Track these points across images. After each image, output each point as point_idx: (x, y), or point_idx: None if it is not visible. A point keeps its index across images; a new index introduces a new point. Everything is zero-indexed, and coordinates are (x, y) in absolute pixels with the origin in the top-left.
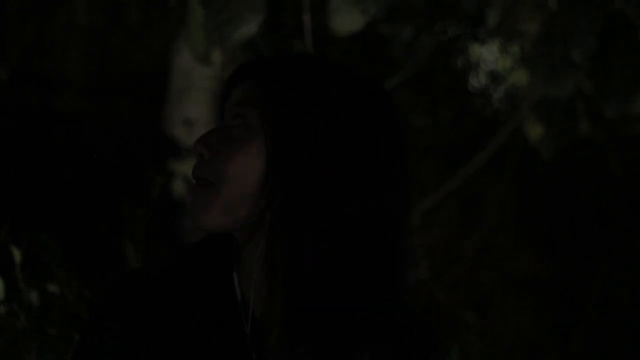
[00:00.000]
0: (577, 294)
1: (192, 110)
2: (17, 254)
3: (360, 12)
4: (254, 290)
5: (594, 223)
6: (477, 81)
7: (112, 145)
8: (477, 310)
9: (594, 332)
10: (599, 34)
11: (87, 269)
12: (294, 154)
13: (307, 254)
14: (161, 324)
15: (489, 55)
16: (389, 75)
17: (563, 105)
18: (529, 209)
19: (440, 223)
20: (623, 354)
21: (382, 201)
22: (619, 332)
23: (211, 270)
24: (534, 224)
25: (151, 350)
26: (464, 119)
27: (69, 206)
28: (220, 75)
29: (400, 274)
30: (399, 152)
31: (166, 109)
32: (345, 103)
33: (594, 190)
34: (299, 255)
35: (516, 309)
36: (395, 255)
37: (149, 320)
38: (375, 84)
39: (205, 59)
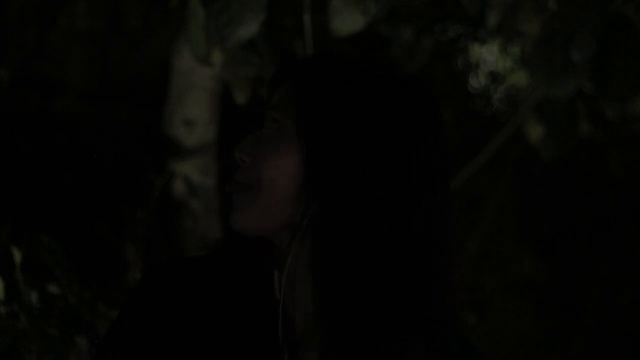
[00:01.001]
0: (578, 296)
1: (193, 110)
2: (17, 255)
3: (360, 12)
4: (294, 292)
5: (594, 224)
6: (477, 82)
7: (112, 146)
8: (477, 312)
9: (594, 334)
10: (600, 35)
11: (88, 270)
12: (328, 157)
13: (346, 259)
14: (195, 318)
15: (489, 55)
16: None
17: (563, 106)
18: (529, 210)
19: None
20: (623, 356)
21: (421, 206)
22: (619, 334)
23: (250, 269)
24: (534, 225)
25: (183, 343)
26: (464, 120)
27: (70, 207)
28: (221, 75)
29: (438, 287)
30: (439, 154)
31: (166, 109)
32: (382, 103)
33: (594, 191)
34: (339, 259)
35: (517, 311)
36: (435, 267)
37: (184, 312)
38: (416, 83)
39: (205, 59)
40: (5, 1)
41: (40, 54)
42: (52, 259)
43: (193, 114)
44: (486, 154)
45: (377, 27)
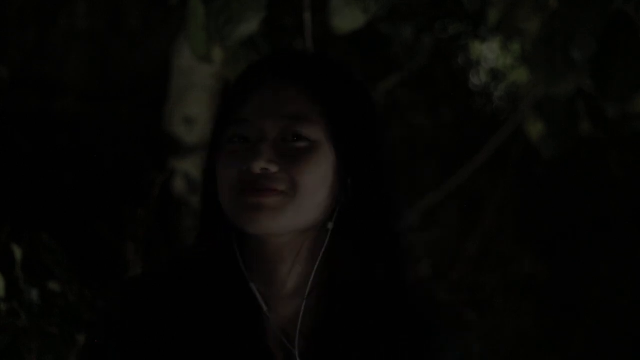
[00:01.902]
0: (578, 296)
1: (193, 108)
2: (18, 253)
3: (361, 10)
4: (281, 293)
5: (594, 224)
6: (477, 79)
7: (112, 146)
8: (477, 312)
9: (594, 334)
10: (600, 33)
11: (88, 268)
12: (358, 162)
13: (369, 259)
14: (172, 328)
15: (489, 53)
16: (389, 75)
17: (563, 105)
18: (529, 210)
19: (440, 223)
20: (623, 356)
21: (398, 201)
22: (619, 334)
23: (222, 278)
24: (534, 225)
25: (164, 354)
26: (465, 118)
27: (70, 206)
28: (221, 73)
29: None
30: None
31: (166, 108)
32: (371, 107)
33: (594, 191)
34: (363, 259)
35: (517, 311)
36: (404, 249)
37: (157, 328)
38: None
39: (205, 57)
40: (5, 1)
41: (40, 54)
42: (53, 258)
43: (193, 112)
44: (486, 152)
45: (378, 26)
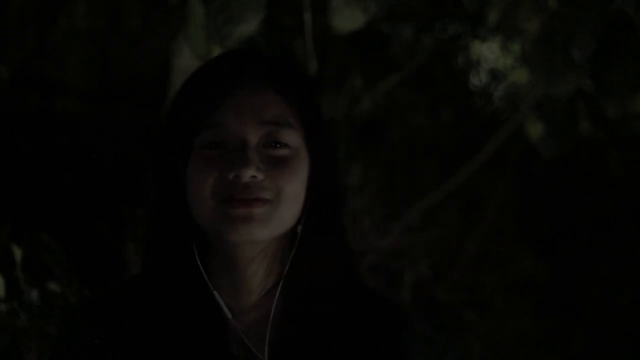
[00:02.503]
0: (578, 296)
1: None
2: (18, 253)
3: (360, 10)
4: (252, 304)
5: (594, 224)
6: (477, 80)
7: (112, 146)
8: (477, 312)
9: (594, 334)
10: (600, 33)
11: (88, 268)
12: (331, 172)
13: (331, 260)
14: (135, 345)
15: (489, 53)
16: (389, 75)
17: (563, 105)
18: (529, 210)
19: (440, 223)
20: (623, 356)
21: (344, 204)
22: (619, 334)
23: (184, 288)
24: (534, 225)
25: None
26: (465, 118)
27: (70, 206)
28: None
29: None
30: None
31: (166, 108)
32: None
33: (594, 191)
34: (329, 260)
35: (517, 311)
36: (353, 247)
37: (123, 342)
38: None
39: (205, 57)
40: (5, 1)
41: (40, 54)
42: (52, 258)
43: None
44: (486, 152)
45: (377, 26)
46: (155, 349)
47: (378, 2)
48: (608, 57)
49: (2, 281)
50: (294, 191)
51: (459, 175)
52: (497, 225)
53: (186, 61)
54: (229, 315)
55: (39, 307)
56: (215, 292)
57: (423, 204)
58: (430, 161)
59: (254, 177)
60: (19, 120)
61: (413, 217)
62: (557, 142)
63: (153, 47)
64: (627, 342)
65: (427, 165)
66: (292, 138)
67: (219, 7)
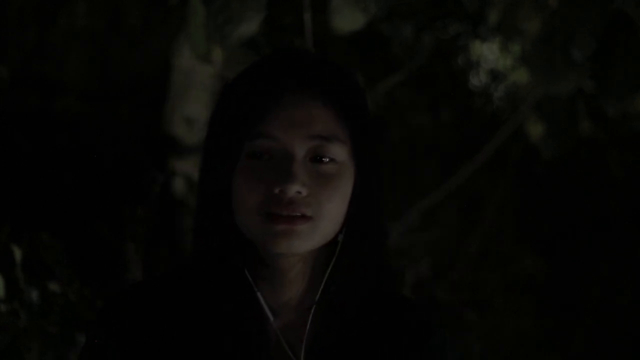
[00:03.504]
0: (578, 296)
1: (193, 108)
2: (18, 253)
3: (361, 10)
4: (292, 308)
5: (594, 224)
6: (477, 80)
7: (112, 146)
8: (477, 312)
9: (594, 334)
10: (600, 33)
11: (88, 268)
12: (375, 184)
13: (371, 268)
14: (172, 339)
15: (489, 53)
16: (389, 75)
17: (563, 105)
18: (529, 210)
19: (440, 223)
20: (623, 356)
21: (383, 211)
22: (619, 334)
23: (225, 288)
24: (534, 225)
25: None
26: (465, 118)
27: (70, 205)
28: (221, 73)
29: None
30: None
31: (166, 108)
32: (371, 119)
33: (594, 191)
34: (368, 269)
35: (517, 311)
36: (388, 254)
37: (159, 334)
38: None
39: (206, 57)
40: (5, 1)
41: (40, 54)
42: (53, 258)
43: (193, 112)
44: (486, 152)
45: (378, 26)
46: (194, 343)
47: (378, 2)
48: (608, 57)
49: (2, 281)
50: (335, 207)
51: (459, 175)
52: (497, 225)
53: (186, 61)
54: (271, 318)
55: (39, 306)
56: (258, 294)
57: (423, 204)
58: (430, 161)
59: (299, 192)
60: (19, 120)
61: (413, 217)
62: (557, 142)
63: (153, 47)
64: (627, 342)
65: (427, 165)
66: (339, 152)
67: (220, 7)
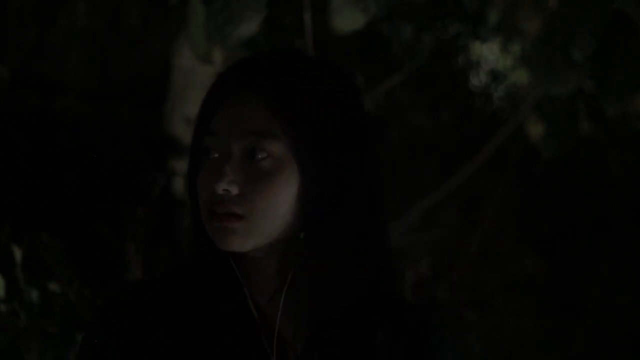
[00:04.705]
0: (578, 296)
1: (193, 108)
2: (18, 253)
3: (361, 11)
4: (270, 304)
5: (594, 224)
6: (477, 80)
7: (112, 146)
8: (477, 312)
9: (594, 334)
10: (600, 33)
11: (88, 268)
12: (325, 179)
13: (339, 268)
14: (167, 336)
15: (489, 54)
16: (389, 75)
17: (563, 105)
18: (529, 210)
19: (440, 223)
20: (623, 356)
21: (375, 209)
22: (619, 334)
23: (217, 284)
24: (534, 225)
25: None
26: (465, 118)
27: (70, 205)
28: None
29: (393, 269)
30: (378, 155)
31: (166, 108)
32: (348, 114)
33: (594, 191)
34: (335, 268)
35: (517, 311)
36: (388, 254)
37: (154, 332)
38: (353, 79)
39: (205, 57)
40: (5, 1)
41: (40, 54)
42: (53, 258)
43: (193, 112)
44: (486, 152)
45: (378, 26)
46: (192, 344)
47: (378, 2)
48: (608, 57)
49: (2, 281)
50: (271, 205)
51: (459, 175)
52: (497, 225)
53: (186, 61)
54: (255, 314)
55: (39, 306)
56: (245, 289)
57: (423, 204)
58: (430, 161)
59: (227, 191)
60: (19, 120)
61: (413, 217)
62: (557, 142)
63: (153, 47)
64: (627, 342)
65: (427, 165)
66: (275, 148)
67: (220, 7)
